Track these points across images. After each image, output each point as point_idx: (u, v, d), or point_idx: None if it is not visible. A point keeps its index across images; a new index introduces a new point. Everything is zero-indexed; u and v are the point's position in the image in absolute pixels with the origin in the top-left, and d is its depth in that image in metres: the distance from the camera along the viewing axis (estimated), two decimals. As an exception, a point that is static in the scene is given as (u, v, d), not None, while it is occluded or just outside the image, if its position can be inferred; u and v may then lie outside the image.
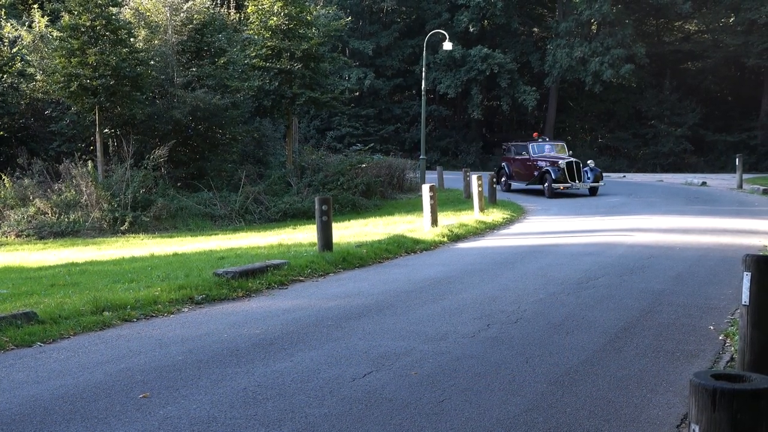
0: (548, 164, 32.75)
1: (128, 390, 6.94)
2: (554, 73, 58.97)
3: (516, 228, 21.54)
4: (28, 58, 28.94)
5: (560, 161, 32.30)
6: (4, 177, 25.76)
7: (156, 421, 6.12)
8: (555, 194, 32.12)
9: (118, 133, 28.24)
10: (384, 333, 9.09)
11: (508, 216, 23.75)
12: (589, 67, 56.82)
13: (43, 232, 23.43)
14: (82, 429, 5.99)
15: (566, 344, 8.52)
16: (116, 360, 8.06)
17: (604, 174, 36.73)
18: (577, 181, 31.81)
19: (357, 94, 58.30)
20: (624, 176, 46.70)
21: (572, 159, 32.53)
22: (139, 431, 5.95)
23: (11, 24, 30.48)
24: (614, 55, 55.87)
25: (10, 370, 7.79)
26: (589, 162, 33.65)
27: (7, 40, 30.35)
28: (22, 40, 29.40)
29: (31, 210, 24.19)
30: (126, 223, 24.23)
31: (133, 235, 23.61)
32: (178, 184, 28.70)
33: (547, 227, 21.31)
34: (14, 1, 36.26)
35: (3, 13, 32.74)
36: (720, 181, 39.40)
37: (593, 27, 60.78)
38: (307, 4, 33.18)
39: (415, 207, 27.79)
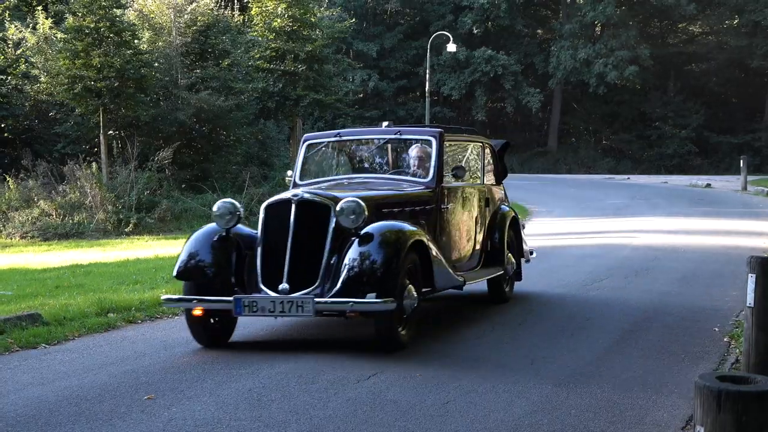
0: None
1: (133, 391, 6.95)
2: (558, 75, 58.97)
3: (520, 230, 21.43)
4: (32, 59, 28.94)
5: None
6: (8, 178, 25.77)
7: (161, 422, 6.11)
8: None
9: (123, 134, 28.25)
10: (388, 335, 9.08)
11: (513, 218, 23.67)
12: (594, 68, 56.83)
13: (47, 234, 23.41)
14: (87, 430, 5.99)
15: (571, 346, 8.52)
16: (121, 361, 8.06)
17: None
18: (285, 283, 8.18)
19: (361, 95, 58.34)
20: (628, 178, 46.63)
21: (308, 193, 8.63)
22: (143, 431, 5.96)
23: (15, 26, 30.49)
24: (618, 57, 55.89)
25: (15, 371, 7.80)
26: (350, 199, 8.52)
27: (11, 42, 30.36)
28: (26, 41, 29.41)
29: (36, 211, 24.19)
30: (130, 225, 24.22)
31: (138, 236, 23.60)
32: (183, 185, 28.70)
33: (552, 229, 21.29)
34: (18, 3, 36.26)
35: (7, 15, 32.75)
36: (725, 183, 39.33)
37: (597, 29, 60.82)
38: (311, 5, 33.20)
39: (419, 209, 27.70)
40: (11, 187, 25.26)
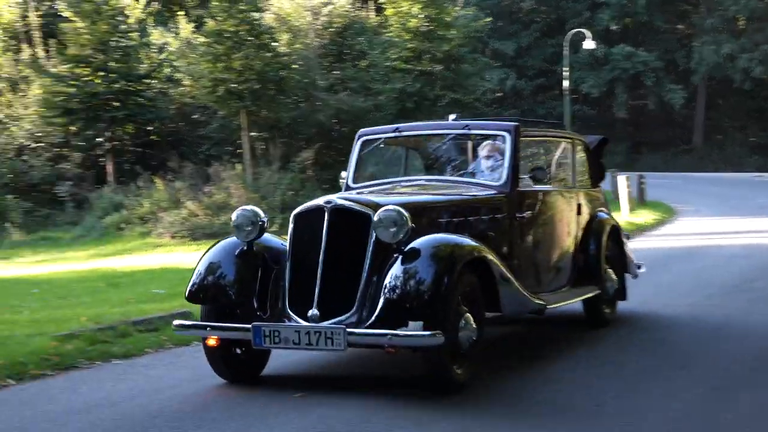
0: None
1: (283, 389, 7.05)
2: (701, 71, 57.45)
3: (667, 229, 21.19)
4: (175, 63, 29.73)
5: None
6: (156, 180, 26.52)
7: (311, 420, 6.16)
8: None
9: (265, 136, 28.76)
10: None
11: (659, 217, 23.24)
12: (738, 64, 55.18)
13: (195, 234, 23.88)
14: (241, 428, 6.09)
15: (724, 349, 8.30)
16: (271, 360, 8.16)
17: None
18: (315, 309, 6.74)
19: (500, 94, 57.99)
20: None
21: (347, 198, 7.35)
22: (296, 429, 6.00)
23: (159, 31, 31.38)
24: (764, 52, 54.10)
25: (169, 368, 8.05)
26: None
27: (155, 47, 31.27)
28: (169, 46, 30.23)
29: (184, 212, 24.75)
30: (276, 225, 24.54)
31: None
32: (325, 186, 28.96)
33: (700, 228, 20.86)
34: (161, 9, 37.33)
35: (151, 20, 33.76)
36: None
37: (740, 23, 59.03)
38: (446, 5, 33.18)
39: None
40: (159, 188, 25.99)
